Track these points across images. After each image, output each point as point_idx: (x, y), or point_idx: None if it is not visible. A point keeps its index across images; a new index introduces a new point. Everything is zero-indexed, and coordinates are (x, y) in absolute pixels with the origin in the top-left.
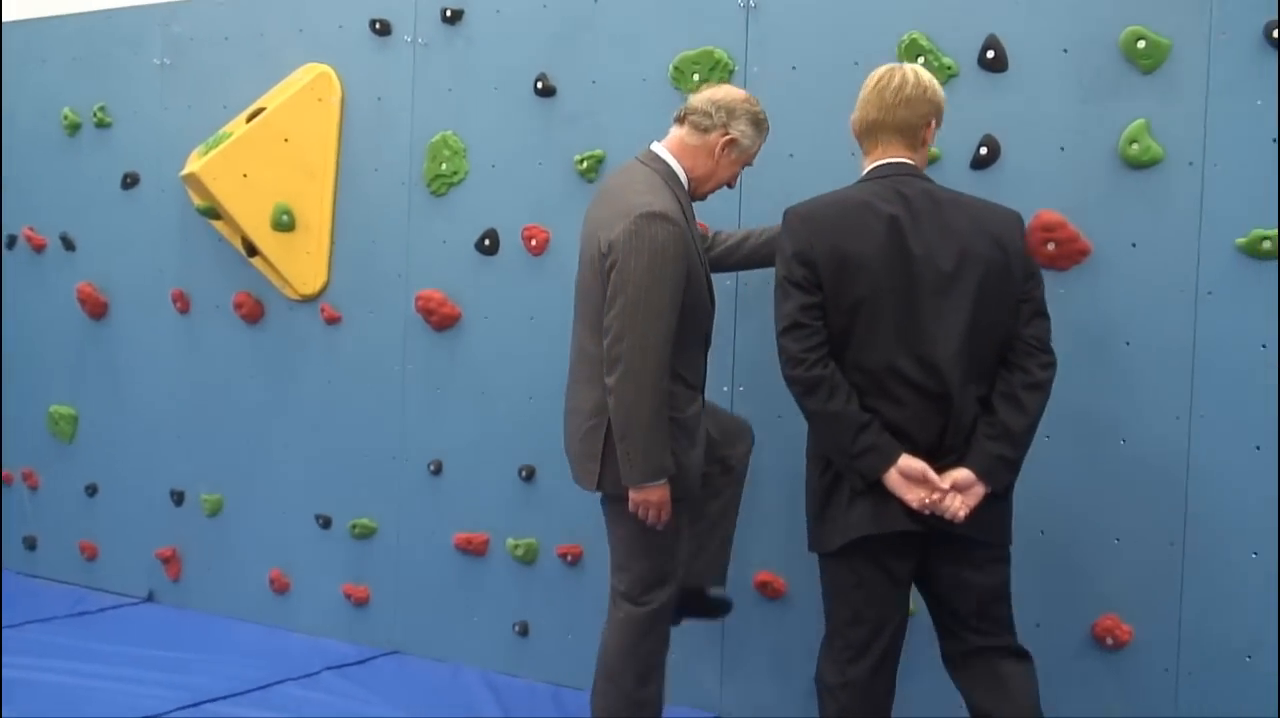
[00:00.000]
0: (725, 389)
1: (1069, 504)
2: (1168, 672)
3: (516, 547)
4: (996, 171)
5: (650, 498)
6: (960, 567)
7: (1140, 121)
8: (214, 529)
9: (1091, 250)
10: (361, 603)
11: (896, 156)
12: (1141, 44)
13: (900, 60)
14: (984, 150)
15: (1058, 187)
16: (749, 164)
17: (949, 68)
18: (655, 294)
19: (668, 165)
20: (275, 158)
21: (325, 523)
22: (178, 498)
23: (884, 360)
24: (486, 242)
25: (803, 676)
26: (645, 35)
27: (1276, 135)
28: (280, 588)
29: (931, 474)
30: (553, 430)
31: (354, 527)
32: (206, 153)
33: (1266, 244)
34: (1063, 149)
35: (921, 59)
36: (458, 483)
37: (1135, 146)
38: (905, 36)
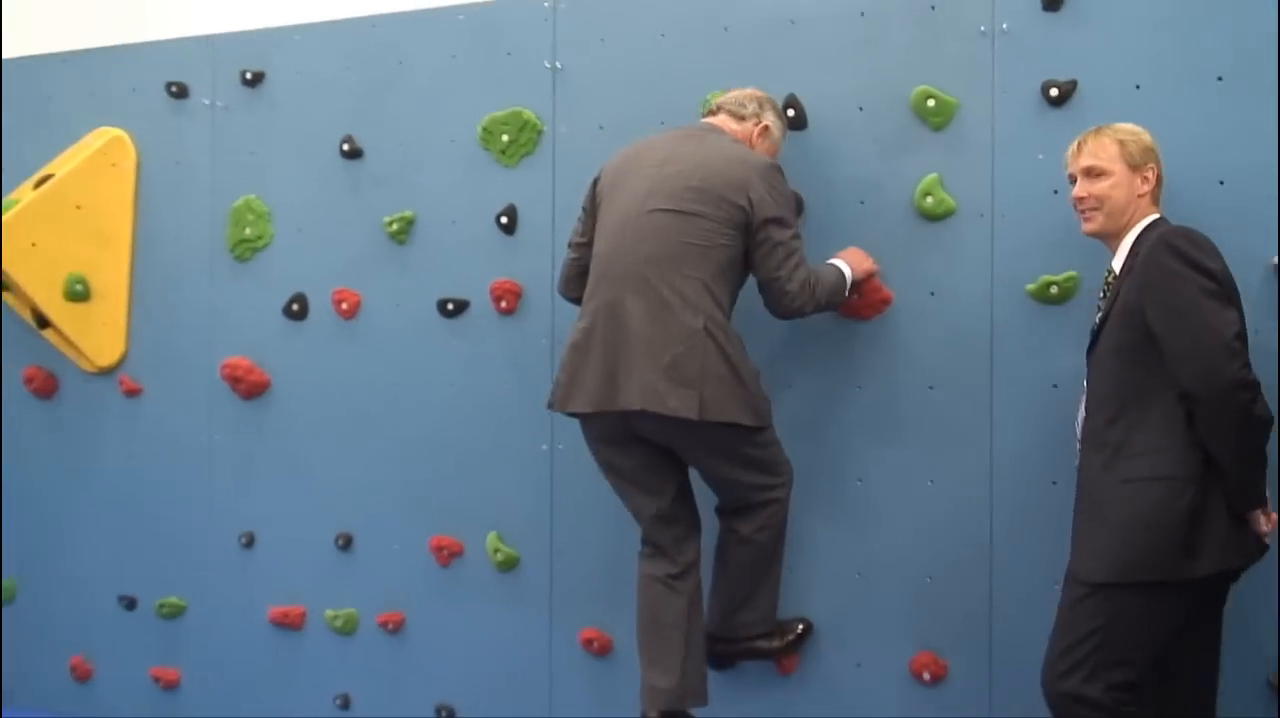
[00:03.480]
0: (544, 448)
1: (883, 545)
2: (981, 701)
3: (335, 617)
4: (801, 226)
5: None
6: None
7: (933, 176)
8: (7, 617)
9: (893, 299)
10: (171, 686)
11: None
12: (931, 103)
13: (704, 118)
14: None
15: (858, 239)
16: (778, 153)
17: None
18: None
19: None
20: (66, 225)
21: (130, 604)
22: None
23: None
24: (295, 306)
25: None
26: (452, 96)
27: (1056, 188)
28: (82, 676)
29: None
30: (371, 496)
31: (161, 606)
32: None
33: (1053, 289)
34: (862, 203)
35: None
36: (271, 555)
37: (929, 199)
38: (709, 96)
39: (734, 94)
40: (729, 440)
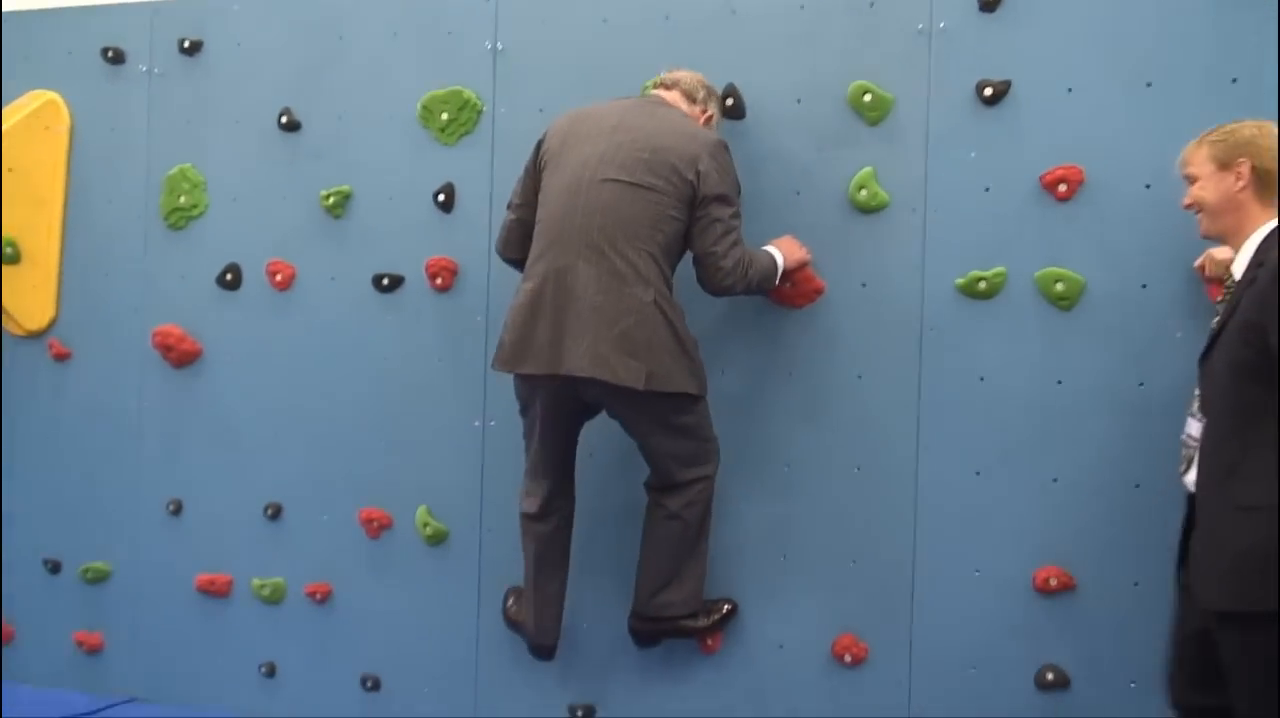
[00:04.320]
0: (476, 424)
1: (808, 529)
2: (900, 685)
3: (263, 587)
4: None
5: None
6: None
7: (868, 169)
8: None
9: (825, 289)
10: (95, 651)
11: None
12: (868, 98)
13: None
14: None
15: (792, 228)
16: None
17: None
18: None
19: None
20: None
21: (54, 568)
22: None
23: None
24: (228, 276)
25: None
26: (393, 73)
27: (987, 185)
28: (5, 638)
29: None
30: (301, 467)
31: (86, 571)
32: None
33: (982, 285)
34: (798, 193)
35: None
36: (199, 523)
37: (864, 193)
38: (649, 83)
39: (686, 75)
40: (670, 410)
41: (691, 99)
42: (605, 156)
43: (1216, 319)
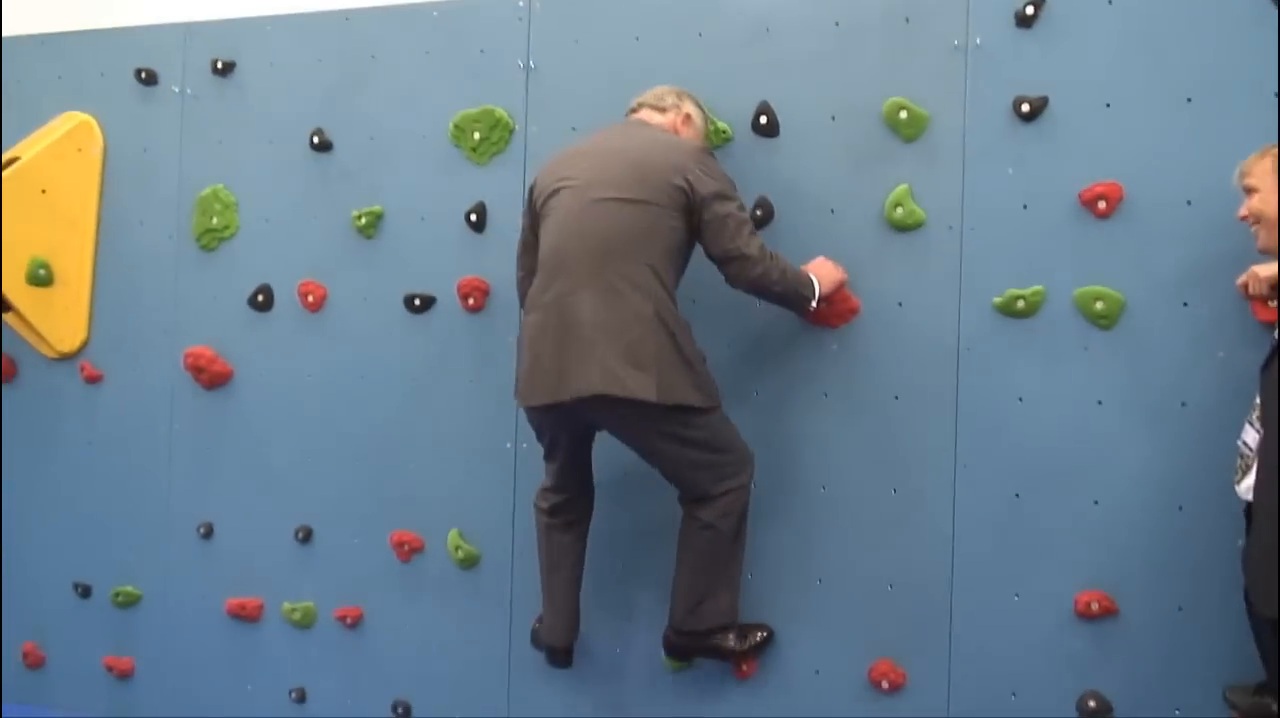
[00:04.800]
0: (508, 446)
1: (845, 553)
2: (938, 711)
3: (293, 610)
4: (770, 232)
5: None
6: None
7: (903, 187)
8: None
9: (860, 309)
10: (125, 675)
11: None
12: (903, 114)
13: None
14: (759, 212)
15: (828, 248)
16: (703, 140)
17: (724, 131)
18: None
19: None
20: (31, 209)
21: (84, 592)
22: None
23: None
24: (260, 297)
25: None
26: (425, 93)
27: (1025, 202)
28: (34, 663)
29: None
30: (332, 490)
31: (116, 595)
32: None
33: (1020, 303)
34: (833, 211)
35: None
36: (229, 547)
37: (899, 210)
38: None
39: (652, 91)
40: (678, 424)
41: (660, 109)
42: (593, 180)
43: (1277, 331)
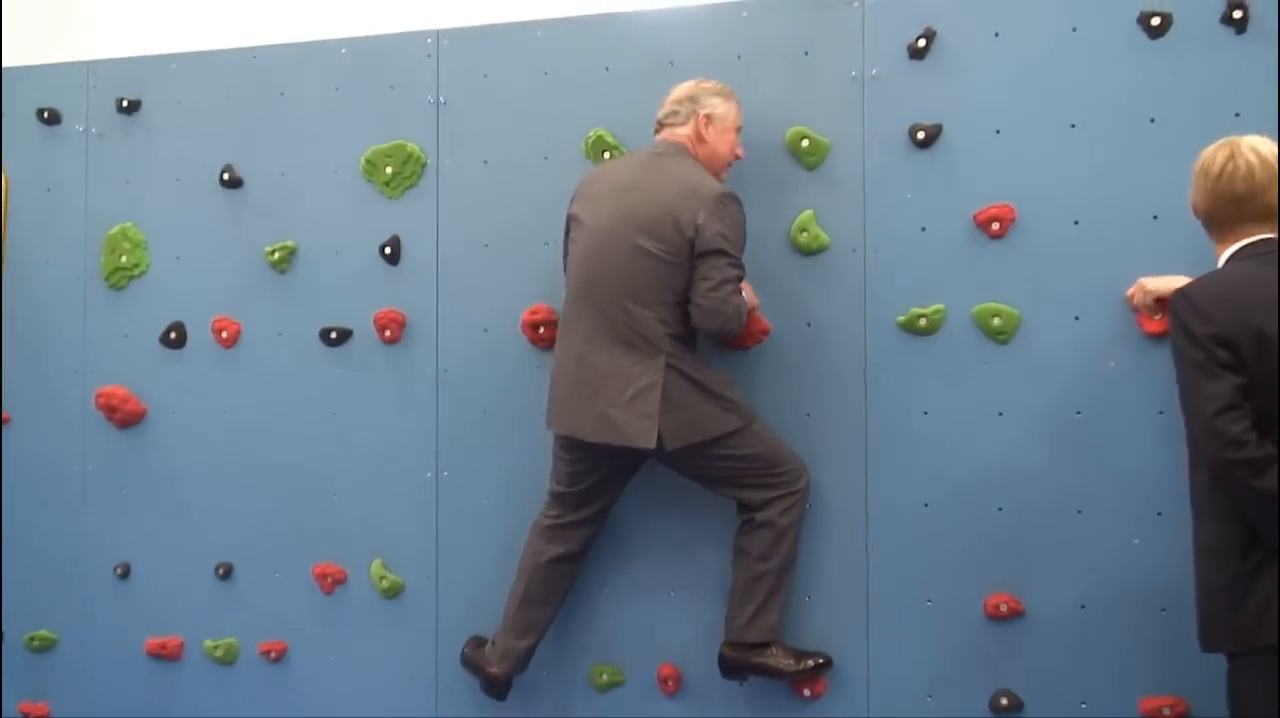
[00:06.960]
0: (429, 475)
1: None
2: (859, 716)
3: (215, 648)
4: None
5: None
6: None
7: (808, 213)
8: None
9: (771, 330)
10: None
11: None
12: (805, 143)
13: (585, 155)
14: None
15: None
16: (741, 128)
17: None
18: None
19: (692, 154)
20: None
21: None
22: None
23: None
24: (173, 335)
25: None
26: (336, 129)
27: (924, 225)
28: None
29: None
30: (251, 525)
31: (31, 639)
32: None
33: (922, 321)
34: None
35: (607, 154)
36: (148, 586)
37: (805, 235)
38: (591, 133)
39: (667, 101)
40: (710, 453)
41: (679, 121)
42: (618, 220)
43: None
